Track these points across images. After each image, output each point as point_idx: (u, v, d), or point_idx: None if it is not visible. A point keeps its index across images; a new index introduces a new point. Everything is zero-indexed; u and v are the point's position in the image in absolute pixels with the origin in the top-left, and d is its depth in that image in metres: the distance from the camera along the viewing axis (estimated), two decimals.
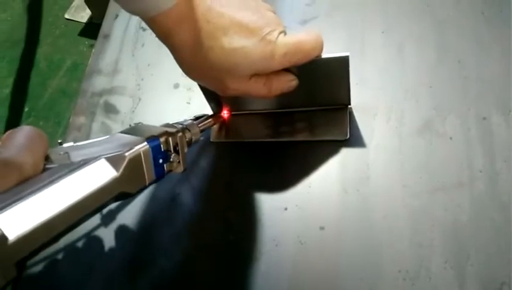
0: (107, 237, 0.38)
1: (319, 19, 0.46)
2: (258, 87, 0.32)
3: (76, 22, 1.53)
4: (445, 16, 0.42)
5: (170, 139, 0.31)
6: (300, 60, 0.32)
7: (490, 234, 0.32)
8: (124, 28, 0.52)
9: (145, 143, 0.28)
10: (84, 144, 0.30)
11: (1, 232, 0.19)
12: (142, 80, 0.47)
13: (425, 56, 0.41)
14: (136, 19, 0.52)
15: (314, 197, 0.36)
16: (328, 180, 0.37)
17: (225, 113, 0.41)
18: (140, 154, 0.27)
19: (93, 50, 0.51)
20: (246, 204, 0.37)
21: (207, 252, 0.36)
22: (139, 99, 0.46)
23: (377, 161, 0.36)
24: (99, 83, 0.48)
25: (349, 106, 0.39)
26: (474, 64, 0.39)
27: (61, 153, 0.27)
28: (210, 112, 0.41)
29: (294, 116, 0.40)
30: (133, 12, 0.30)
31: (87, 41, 1.48)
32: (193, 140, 0.34)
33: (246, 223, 0.36)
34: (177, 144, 0.31)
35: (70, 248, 0.38)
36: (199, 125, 0.36)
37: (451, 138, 0.36)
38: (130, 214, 0.39)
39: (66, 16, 1.55)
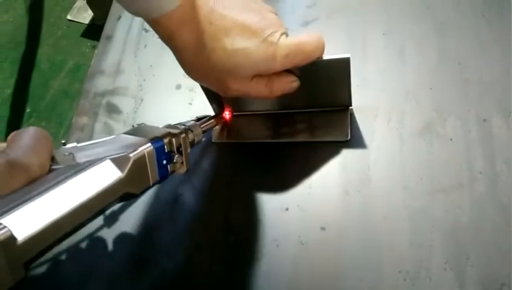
0: (109, 237, 0.39)
1: (320, 21, 0.46)
2: (259, 88, 0.32)
3: (79, 23, 1.54)
4: (446, 17, 0.42)
5: (173, 140, 0.31)
6: (302, 62, 0.32)
7: (490, 235, 0.32)
8: (127, 29, 0.52)
9: (149, 144, 0.28)
10: (88, 145, 0.30)
11: (10, 232, 0.19)
12: (144, 80, 0.47)
13: (426, 58, 0.41)
14: (138, 20, 0.52)
15: (315, 198, 0.36)
16: (329, 181, 0.37)
17: (227, 114, 0.41)
18: (144, 155, 0.28)
19: (95, 51, 0.51)
20: (247, 204, 0.37)
21: (208, 253, 0.37)
22: (141, 100, 0.46)
23: (377, 162, 0.37)
24: (101, 83, 0.48)
25: (350, 107, 0.39)
26: (474, 66, 0.39)
27: (66, 153, 0.27)
28: (212, 112, 0.42)
29: (295, 118, 0.40)
30: (136, 13, 0.30)
31: (89, 42, 1.48)
32: (196, 141, 0.35)
33: (247, 224, 0.37)
34: (180, 144, 0.31)
35: (73, 248, 0.38)
36: (201, 126, 0.36)
37: (451, 140, 0.36)
38: (132, 215, 0.39)
39: (68, 17, 1.56)
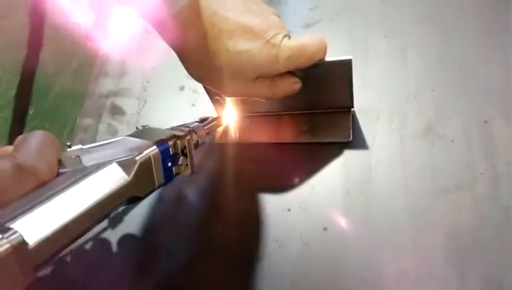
0: (113, 238, 0.39)
1: (322, 23, 0.46)
2: (262, 90, 0.33)
3: None
4: (447, 20, 0.43)
5: (178, 142, 0.31)
6: (304, 63, 0.32)
7: (492, 235, 0.32)
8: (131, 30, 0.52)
9: (155, 147, 0.29)
10: (93, 147, 0.30)
11: (21, 237, 0.19)
12: (148, 82, 0.48)
13: (427, 60, 0.41)
14: (142, 22, 0.53)
15: (317, 198, 0.37)
16: (331, 181, 0.37)
17: (230, 115, 0.41)
18: (150, 158, 0.28)
19: (99, 53, 0.52)
20: (249, 205, 0.38)
21: (211, 252, 0.37)
22: (145, 101, 0.46)
23: (379, 163, 0.37)
24: (105, 85, 0.49)
25: (352, 109, 0.39)
26: (475, 67, 0.39)
27: (73, 156, 0.27)
28: (215, 113, 0.42)
29: (297, 119, 0.40)
30: (143, 16, 0.31)
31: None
32: (200, 142, 0.35)
33: (249, 224, 0.37)
34: (185, 146, 0.32)
35: (76, 248, 0.39)
36: (205, 127, 0.36)
37: (452, 141, 0.37)
38: (136, 215, 0.40)
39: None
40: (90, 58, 1.41)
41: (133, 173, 0.26)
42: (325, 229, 0.35)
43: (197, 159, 0.41)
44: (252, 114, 0.42)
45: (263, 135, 0.41)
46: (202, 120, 0.38)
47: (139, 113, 0.46)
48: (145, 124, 0.37)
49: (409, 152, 0.37)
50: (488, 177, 0.34)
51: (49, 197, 0.22)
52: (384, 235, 0.34)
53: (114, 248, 0.39)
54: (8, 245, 0.18)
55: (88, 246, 0.39)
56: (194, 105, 0.45)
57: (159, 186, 0.30)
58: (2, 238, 0.18)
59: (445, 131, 0.37)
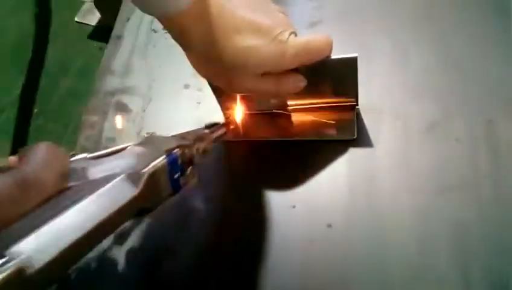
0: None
1: (326, 23, 0.47)
2: (268, 86, 0.33)
3: (86, 24, 1.55)
4: (451, 19, 0.43)
5: (186, 151, 0.30)
6: (310, 60, 0.32)
7: (496, 233, 0.32)
8: (136, 30, 0.53)
9: (163, 157, 0.28)
10: (99, 157, 0.29)
11: (26, 260, 0.18)
12: (153, 80, 0.48)
13: (431, 59, 0.41)
14: (147, 22, 0.53)
15: (322, 195, 0.37)
16: (336, 179, 0.37)
17: (235, 113, 0.41)
18: (158, 169, 0.27)
19: (105, 51, 0.52)
20: (254, 202, 0.38)
21: (216, 250, 0.37)
22: (150, 99, 0.47)
23: (383, 161, 0.37)
24: (111, 83, 0.49)
25: (357, 107, 0.39)
26: (480, 67, 0.40)
27: (79, 168, 0.26)
28: (220, 116, 0.42)
29: (302, 116, 0.41)
30: (151, 12, 0.31)
31: (96, 44, 1.50)
32: (207, 151, 0.34)
33: (254, 221, 0.37)
34: (193, 156, 0.31)
35: None
36: (212, 134, 0.35)
37: (456, 140, 0.37)
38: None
39: (76, 19, 1.57)
40: (94, 58, 1.42)
41: (141, 185, 0.25)
42: (329, 226, 0.35)
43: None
44: (256, 112, 0.42)
45: (268, 132, 0.41)
46: (208, 126, 0.37)
47: (144, 111, 0.46)
48: (152, 132, 0.36)
49: (413, 151, 0.37)
50: (492, 176, 0.35)
51: (55, 215, 0.21)
52: (389, 232, 0.34)
53: (117, 248, 0.39)
54: (11, 270, 0.17)
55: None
56: (199, 103, 0.45)
57: (167, 197, 0.29)
58: (6, 262, 0.18)
59: (449, 130, 0.37)
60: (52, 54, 1.50)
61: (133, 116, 0.46)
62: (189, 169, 0.30)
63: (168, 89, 0.47)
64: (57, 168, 0.23)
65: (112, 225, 0.24)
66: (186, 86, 0.46)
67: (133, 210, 0.25)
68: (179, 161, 0.29)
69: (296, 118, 0.41)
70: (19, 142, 1.30)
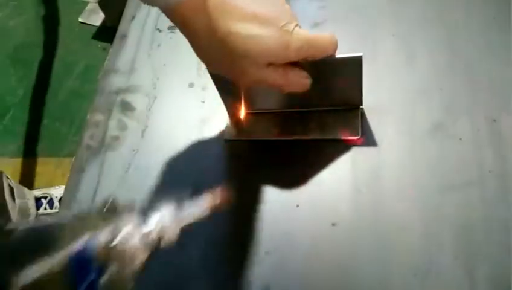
0: None
1: (331, 22, 0.47)
2: (274, 77, 0.32)
3: (90, 25, 1.56)
4: (456, 19, 0.43)
5: (110, 251, 0.23)
6: (314, 55, 0.32)
7: (500, 232, 0.32)
8: (141, 29, 0.53)
9: (66, 257, 0.21)
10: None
11: None
12: (158, 79, 0.48)
13: (436, 59, 0.41)
14: (152, 20, 0.53)
15: (326, 194, 0.37)
16: (340, 178, 0.37)
17: (239, 111, 0.41)
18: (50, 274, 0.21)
19: (110, 50, 0.53)
20: (258, 201, 0.38)
21: (219, 248, 0.37)
22: (155, 98, 0.47)
23: (388, 160, 0.37)
24: (116, 81, 0.49)
25: (361, 107, 0.39)
26: (484, 67, 0.40)
27: None
28: (222, 115, 0.42)
29: (307, 116, 0.41)
30: (152, 3, 0.31)
31: (100, 44, 1.50)
32: (161, 243, 0.25)
33: (258, 220, 0.37)
34: (124, 252, 0.23)
35: None
36: (182, 220, 0.27)
37: (461, 139, 0.37)
38: (144, 210, 0.40)
39: (80, 20, 1.58)
40: (97, 58, 1.42)
41: None
42: (333, 225, 0.35)
43: (205, 154, 0.41)
44: (260, 110, 0.42)
45: (272, 131, 0.41)
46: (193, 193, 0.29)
47: (149, 109, 0.46)
48: (111, 199, 0.29)
49: (418, 150, 0.37)
50: (496, 175, 0.34)
51: None
52: (393, 231, 0.34)
53: None
54: None
55: None
56: (203, 102, 0.45)
57: None
58: None
59: (454, 129, 0.37)
60: (57, 54, 1.51)
61: (137, 115, 0.46)
62: (111, 269, 0.23)
63: (172, 88, 0.47)
64: None
65: None
66: (191, 85, 0.47)
67: None
68: (95, 263, 0.22)
69: (301, 117, 0.41)
70: (26, 142, 1.31)
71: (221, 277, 0.36)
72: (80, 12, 1.59)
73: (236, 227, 0.38)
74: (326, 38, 0.32)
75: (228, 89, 0.39)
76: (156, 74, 0.49)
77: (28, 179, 1.22)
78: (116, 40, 0.53)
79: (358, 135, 0.38)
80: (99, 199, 0.41)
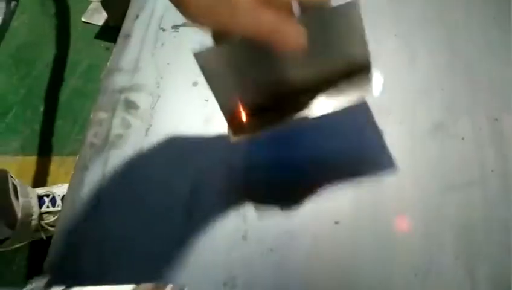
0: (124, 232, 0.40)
1: None
2: (269, 18, 0.28)
3: (93, 24, 1.56)
4: (456, 19, 0.43)
5: None
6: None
7: (501, 232, 0.33)
8: (144, 28, 0.53)
9: None
10: None
11: None
12: (162, 78, 0.49)
13: (437, 59, 0.41)
14: (155, 20, 0.53)
15: (328, 193, 0.37)
16: (343, 176, 0.37)
17: (239, 117, 0.39)
18: None
19: (113, 48, 0.53)
20: (260, 198, 0.38)
21: (222, 245, 0.37)
22: (159, 97, 0.47)
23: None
24: (119, 80, 0.50)
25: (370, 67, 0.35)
26: (485, 66, 0.40)
27: None
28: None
29: (310, 95, 0.35)
30: None
31: (102, 43, 1.51)
32: None
33: (260, 217, 0.37)
34: None
35: (94, 235, 0.39)
36: None
37: (463, 138, 0.37)
38: (147, 207, 0.40)
39: (83, 19, 1.58)
40: (100, 58, 1.42)
41: None
42: (336, 223, 0.35)
43: (208, 153, 0.41)
44: (258, 101, 0.37)
45: (278, 118, 0.36)
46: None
47: (152, 108, 0.47)
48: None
49: (420, 150, 0.37)
50: (498, 174, 0.35)
51: None
52: (395, 231, 0.34)
53: (128, 237, 0.39)
54: None
55: (103, 233, 0.39)
56: (207, 100, 0.45)
57: None
58: None
59: (455, 129, 0.38)
60: (59, 53, 1.51)
61: (141, 113, 0.47)
62: None
63: (176, 87, 0.48)
64: None
65: None
66: (195, 84, 0.47)
67: None
68: None
69: (304, 98, 0.35)
70: (28, 140, 1.31)
71: (221, 274, 0.36)
72: (82, 11, 1.59)
73: (237, 224, 0.38)
74: None
75: (225, 88, 0.37)
76: (160, 73, 0.49)
77: (30, 177, 1.22)
78: (119, 40, 0.53)
79: (371, 91, 0.34)
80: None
